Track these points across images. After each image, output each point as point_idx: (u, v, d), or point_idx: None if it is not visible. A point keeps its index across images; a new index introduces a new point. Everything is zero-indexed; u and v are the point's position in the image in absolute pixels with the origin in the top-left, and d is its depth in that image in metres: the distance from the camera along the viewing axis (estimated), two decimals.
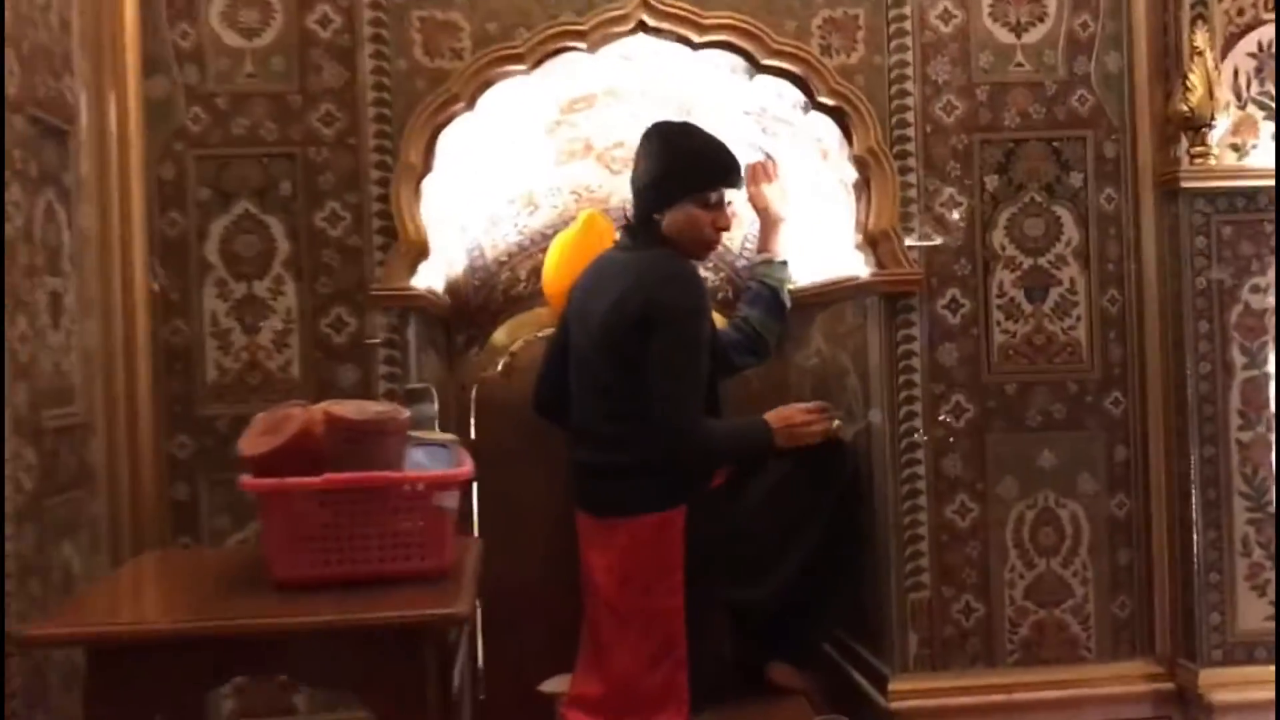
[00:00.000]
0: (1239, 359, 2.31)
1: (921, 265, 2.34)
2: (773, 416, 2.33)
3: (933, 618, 2.33)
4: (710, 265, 3.06)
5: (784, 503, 2.35)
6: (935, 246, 2.34)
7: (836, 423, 2.40)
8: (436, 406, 2.03)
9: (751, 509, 2.34)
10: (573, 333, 2.39)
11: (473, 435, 2.98)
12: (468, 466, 1.73)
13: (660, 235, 2.34)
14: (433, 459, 1.74)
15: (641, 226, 2.36)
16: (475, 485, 2.95)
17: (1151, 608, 2.38)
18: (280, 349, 2.24)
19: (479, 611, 2.96)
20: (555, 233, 2.81)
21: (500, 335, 3.01)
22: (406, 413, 1.70)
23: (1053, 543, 2.37)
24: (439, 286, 2.76)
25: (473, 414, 2.99)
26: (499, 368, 2.98)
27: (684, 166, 2.35)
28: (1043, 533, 2.37)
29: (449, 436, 1.87)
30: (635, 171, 2.37)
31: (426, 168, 2.26)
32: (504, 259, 2.97)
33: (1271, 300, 2.30)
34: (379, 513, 1.62)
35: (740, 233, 3.00)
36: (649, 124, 2.38)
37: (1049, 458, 2.37)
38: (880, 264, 2.34)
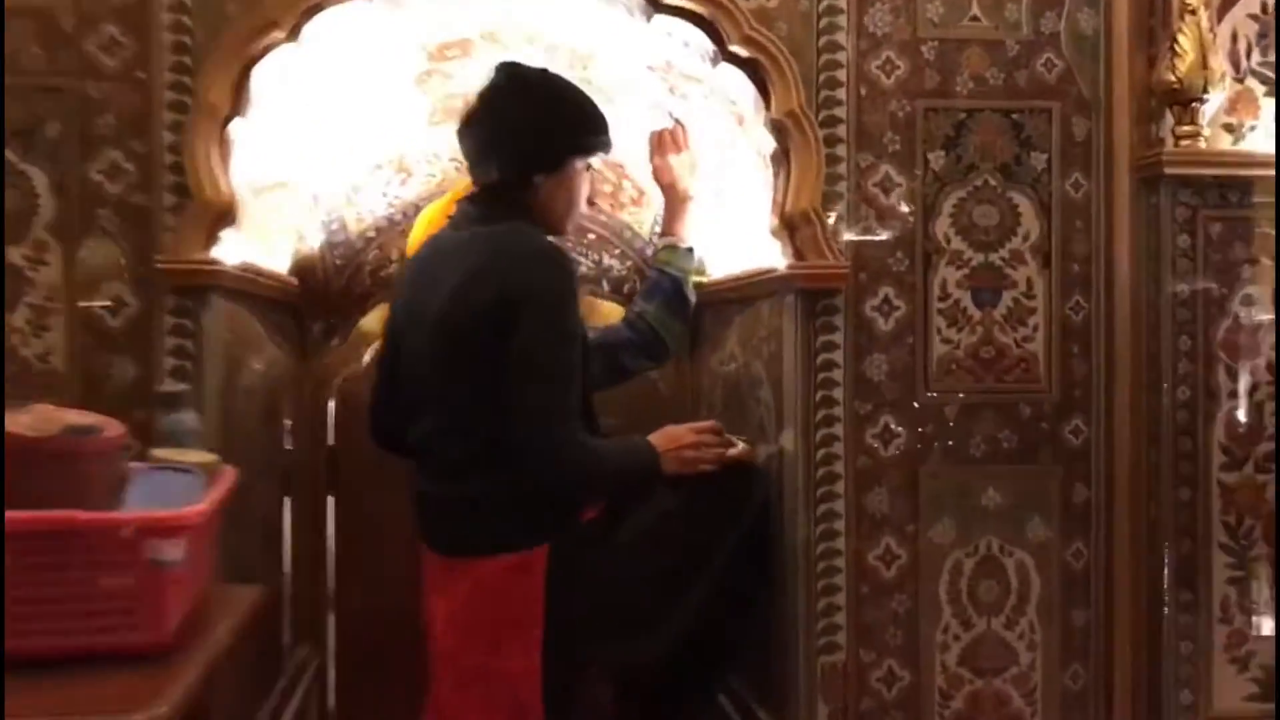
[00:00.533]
0: (1225, 384, 2.04)
1: (848, 257, 2.00)
2: (658, 438, 1.94)
3: (848, 686, 2.02)
4: (617, 252, 2.69)
5: (677, 539, 1.98)
6: (864, 236, 2.00)
7: (740, 446, 2.01)
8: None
9: (636, 546, 1.96)
10: (402, 335, 1.95)
11: (330, 440, 2.62)
12: (202, 505, 1.28)
13: (531, 204, 1.92)
14: (166, 492, 1.29)
15: (510, 192, 1.92)
16: (332, 500, 2.61)
17: (1111, 680, 2.11)
18: (39, 333, 1.89)
19: (332, 649, 2.60)
20: None
21: (370, 321, 2.68)
22: (120, 427, 1.26)
23: (995, 598, 2.08)
24: (283, 265, 2.35)
25: (330, 415, 2.63)
26: (364, 361, 2.63)
27: (571, 118, 1.96)
28: (983, 586, 2.07)
29: (206, 458, 1.43)
30: (495, 121, 1.90)
31: (234, 111, 1.86)
32: (371, 234, 2.65)
33: (1267, 315, 2.03)
34: (65, 566, 1.20)
35: (649, 214, 2.61)
36: (498, 63, 1.94)
37: (994, 496, 2.07)
38: (798, 254, 1.97)
